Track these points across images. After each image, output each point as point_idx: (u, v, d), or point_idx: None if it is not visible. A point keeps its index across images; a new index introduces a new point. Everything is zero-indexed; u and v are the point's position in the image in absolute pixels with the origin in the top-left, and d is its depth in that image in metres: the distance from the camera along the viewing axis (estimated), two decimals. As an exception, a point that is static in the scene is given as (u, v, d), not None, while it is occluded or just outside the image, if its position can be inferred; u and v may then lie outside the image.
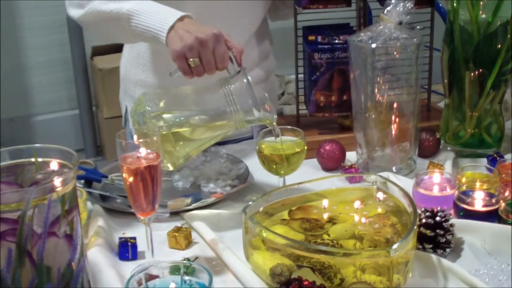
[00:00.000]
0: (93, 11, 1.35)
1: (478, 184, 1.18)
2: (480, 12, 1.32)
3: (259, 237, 0.99)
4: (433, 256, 1.02)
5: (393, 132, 1.34)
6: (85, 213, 1.17)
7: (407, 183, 1.24)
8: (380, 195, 1.11)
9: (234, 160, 1.41)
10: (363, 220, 1.06)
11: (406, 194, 1.06)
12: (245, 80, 1.18)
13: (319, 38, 1.46)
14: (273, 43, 1.67)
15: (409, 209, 1.02)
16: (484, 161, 1.38)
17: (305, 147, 1.22)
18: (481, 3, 1.32)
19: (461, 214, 1.14)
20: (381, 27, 1.27)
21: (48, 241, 0.81)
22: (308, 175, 1.21)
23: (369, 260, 0.91)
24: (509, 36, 1.31)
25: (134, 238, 1.10)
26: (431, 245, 1.04)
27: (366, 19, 1.48)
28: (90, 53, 3.29)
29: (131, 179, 0.98)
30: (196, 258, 1.05)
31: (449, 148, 1.45)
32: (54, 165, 0.89)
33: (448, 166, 1.34)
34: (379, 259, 0.91)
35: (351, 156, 1.42)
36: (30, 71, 3.37)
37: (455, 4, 1.34)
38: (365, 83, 1.32)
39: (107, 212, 1.22)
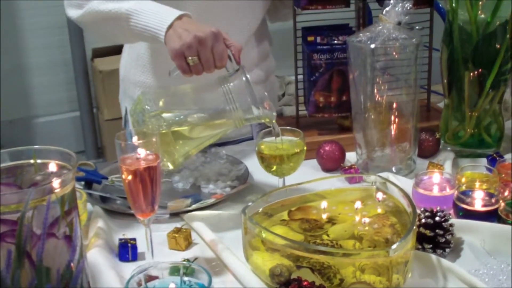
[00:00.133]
0: (92, 11, 1.35)
1: (477, 184, 1.18)
2: (479, 12, 1.32)
3: (258, 238, 0.99)
4: (433, 256, 1.02)
5: (393, 133, 1.34)
6: (85, 215, 1.17)
7: (407, 183, 1.24)
8: (380, 196, 1.11)
9: (234, 161, 1.41)
10: (363, 220, 1.06)
11: (405, 194, 1.06)
12: (244, 78, 1.18)
13: (318, 39, 1.46)
14: (273, 44, 1.67)
15: (409, 209, 1.02)
16: (483, 161, 1.38)
17: (305, 148, 1.22)
18: (480, 3, 1.32)
19: (460, 214, 1.14)
20: (380, 27, 1.27)
21: (47, 242, 0.81)
22: (308, 175, 1.21)
23: (369, 260, 0.91)
24: (508, 36, 1.31)
25: (134, 239, 1.10)
26: (431, 245, 1.04)
27: (365, 19, 1.48)
28: (91, 55, 3.29)
29: (130, 180, 0.99)
30: (196, 258, 1.05)
31: (448, 148, 1.45)
32: (53, 166, 0.89)
33: (447, 166, 1.34)
34: (378, 259, 0.91)
35: (350, 157, 1.42)
36: (31, 73, 3.36)
37: (454, 4, 1.34)
38: (364, 83, 1.32)
39: (107, 213, 1.22)
